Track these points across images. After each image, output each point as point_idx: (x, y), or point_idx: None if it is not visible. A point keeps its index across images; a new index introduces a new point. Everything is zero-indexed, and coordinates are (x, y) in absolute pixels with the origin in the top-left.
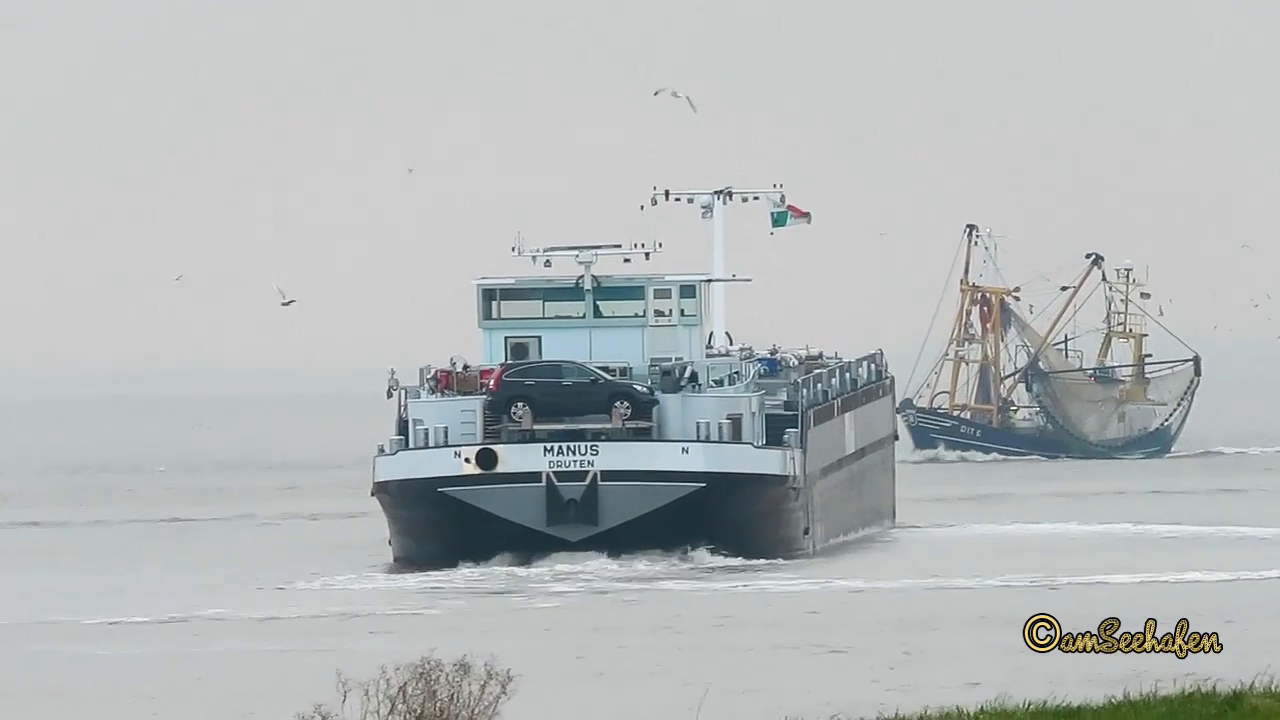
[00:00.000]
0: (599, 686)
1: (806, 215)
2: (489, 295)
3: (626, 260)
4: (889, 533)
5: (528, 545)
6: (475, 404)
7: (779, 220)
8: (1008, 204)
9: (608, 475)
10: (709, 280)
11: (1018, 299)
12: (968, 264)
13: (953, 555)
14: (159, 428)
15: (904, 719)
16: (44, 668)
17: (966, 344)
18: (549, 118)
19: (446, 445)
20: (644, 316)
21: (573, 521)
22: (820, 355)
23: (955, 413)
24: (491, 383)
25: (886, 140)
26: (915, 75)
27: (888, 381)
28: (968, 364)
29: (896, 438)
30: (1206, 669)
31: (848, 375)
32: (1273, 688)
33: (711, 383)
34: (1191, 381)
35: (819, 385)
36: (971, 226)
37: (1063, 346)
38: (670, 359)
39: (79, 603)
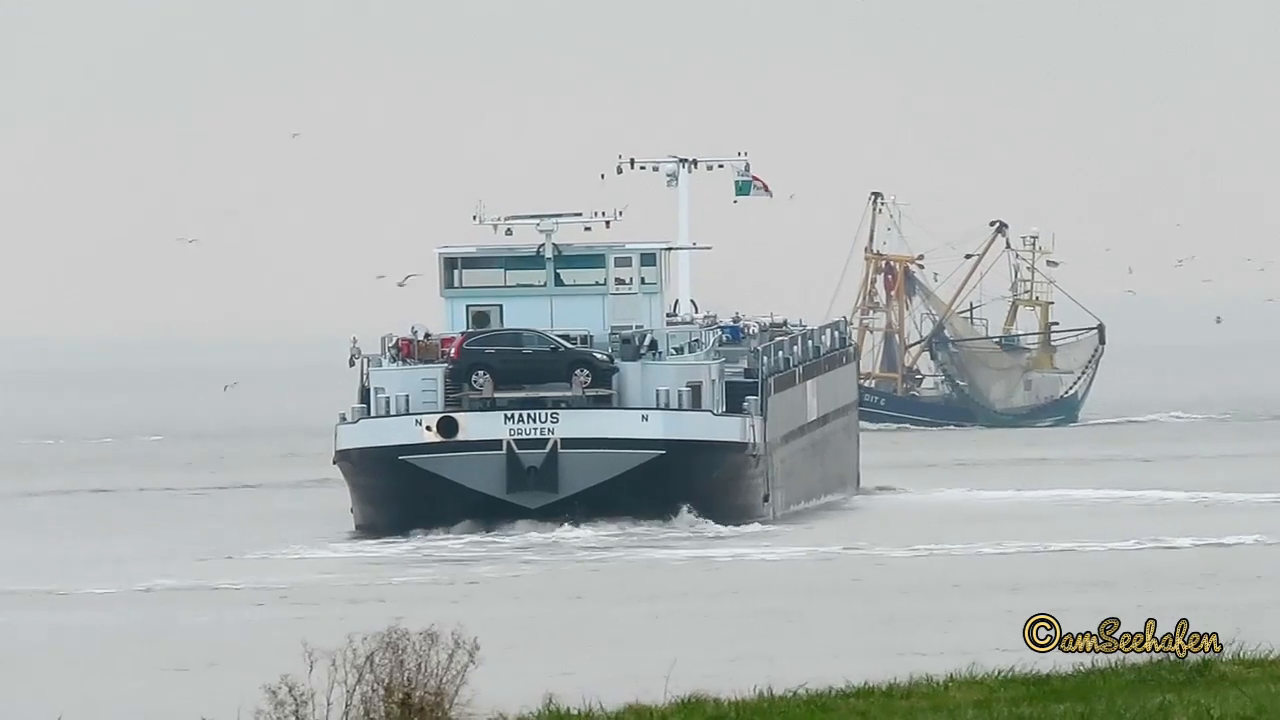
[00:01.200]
0: (568, 655)
1: (767, 189)
2: (450, 264)
3: (587, 229)
4: (852, 499)
5: (488, 512)
6: (436, 372)
7: (743, 189)
8: (913, 172)
9: (568, 443)
10: (669, 248)
11: (922, 267)
12: (872, 232)
13: (919, 521)
14: (179, 397)
15: (873, 688)
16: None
17: (871, 312)
18: (514, 85)
19: (408, 413)
20: (605, 284)
21: (533, 489)
22: (785, 323)
23: (860, 381)
24: (452, 351)
25: (796, 105)
26: (833, 43)
27: (851, 349)
28: (872, 332)
29: (861, 404)
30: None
31: (810, 343)
32: (1242, 655)
33: (672, 350)
34: (1096, 349)
35: (780, 353)
36: (876, 194)
37: (968, 314)
38: (631, 327)
39: (35, 572)
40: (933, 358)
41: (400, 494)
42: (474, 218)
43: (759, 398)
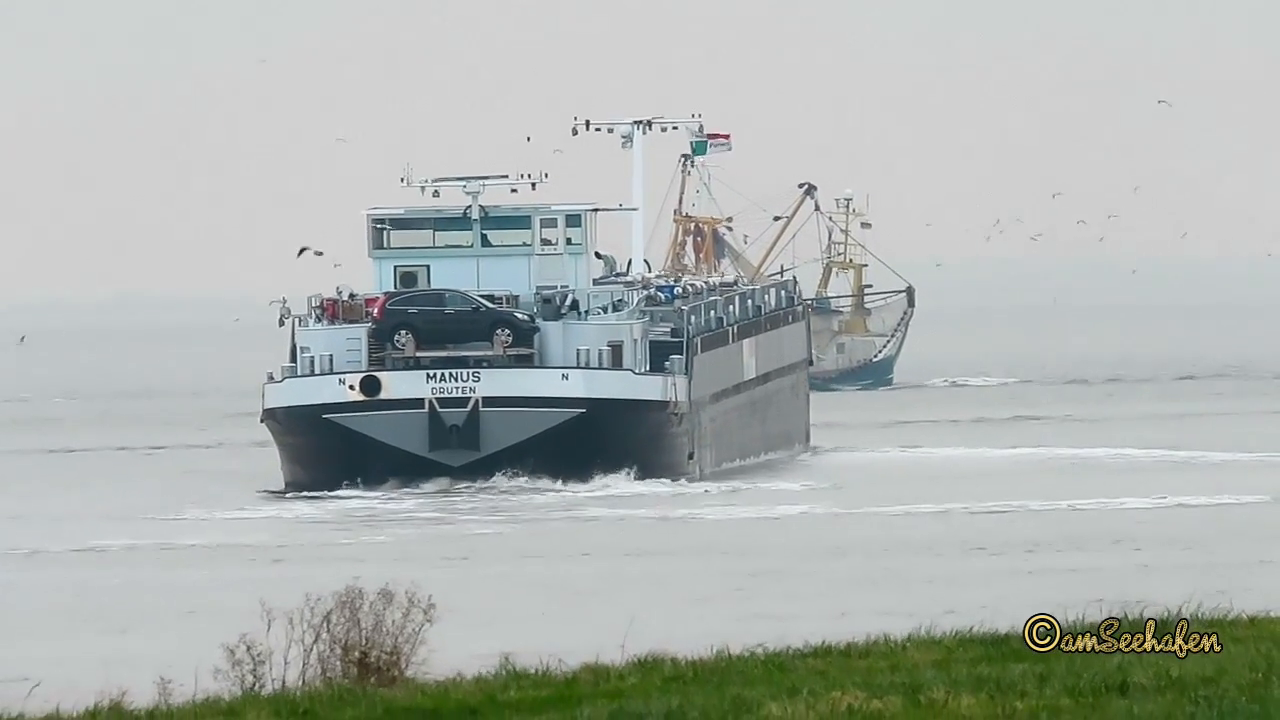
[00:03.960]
0: (525, 614)
1: (727, 141)
2: (379, 225)
3: (514, 190)
4: (797, 458)
5: (411, 470)
6: (360, 332)
7: (699, 149)
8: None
9: (489, 401)
10: (595, 210)
11: (731, 229)
12: (682, 194)
13: (872, 479)
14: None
15: (831, 648)
16: None
17: (680, 275)
18: (458, 45)
19: (332, 372)
20: (530, 245)
21: (455, 447)
22: (735, 282)
23: None
24: (375, 311)
25: (609, 65)
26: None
27: (800, 308)
28: None
29: (811, 363)
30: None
31: (750, 302)
32: (1199, 614)
33: (596, 310)
34: (905, 313)
35: (712, 312)
36: (686, 156)
37: (778, 277)
38: (556, 287)
39: None
40: None
41: (324, 452)
42: (402, 180)
43: (684, 356)
